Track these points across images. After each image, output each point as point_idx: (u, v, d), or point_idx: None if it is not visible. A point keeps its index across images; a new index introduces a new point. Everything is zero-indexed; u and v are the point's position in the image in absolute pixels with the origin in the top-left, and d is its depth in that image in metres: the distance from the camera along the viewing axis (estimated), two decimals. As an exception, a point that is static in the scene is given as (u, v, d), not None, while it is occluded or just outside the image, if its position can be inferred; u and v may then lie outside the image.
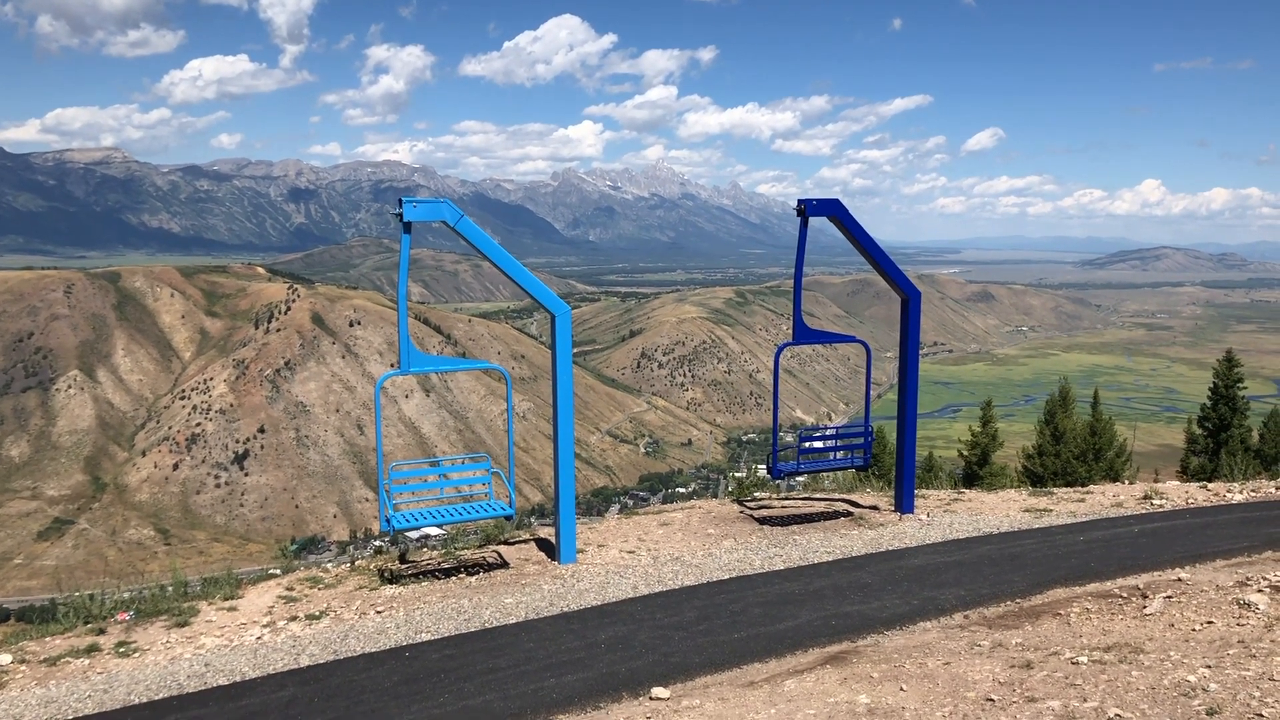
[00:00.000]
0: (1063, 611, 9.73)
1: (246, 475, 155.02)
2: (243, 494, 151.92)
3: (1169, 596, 9.34)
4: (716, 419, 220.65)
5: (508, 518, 12.09)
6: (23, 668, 9.47)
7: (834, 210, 13.34)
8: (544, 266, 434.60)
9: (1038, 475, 24.54)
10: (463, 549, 13.41)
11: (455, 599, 11.09)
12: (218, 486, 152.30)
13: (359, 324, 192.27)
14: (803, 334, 13.60)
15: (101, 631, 10.39)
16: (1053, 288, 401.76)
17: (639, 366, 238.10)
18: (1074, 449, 24.99)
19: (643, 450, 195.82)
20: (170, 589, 11.76)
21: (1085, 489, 16.71)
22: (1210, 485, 16.55)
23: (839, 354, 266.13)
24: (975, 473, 26.12)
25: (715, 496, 18.18)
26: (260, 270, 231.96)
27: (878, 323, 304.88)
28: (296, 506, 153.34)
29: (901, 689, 7.45)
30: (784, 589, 11.04)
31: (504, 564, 12.46)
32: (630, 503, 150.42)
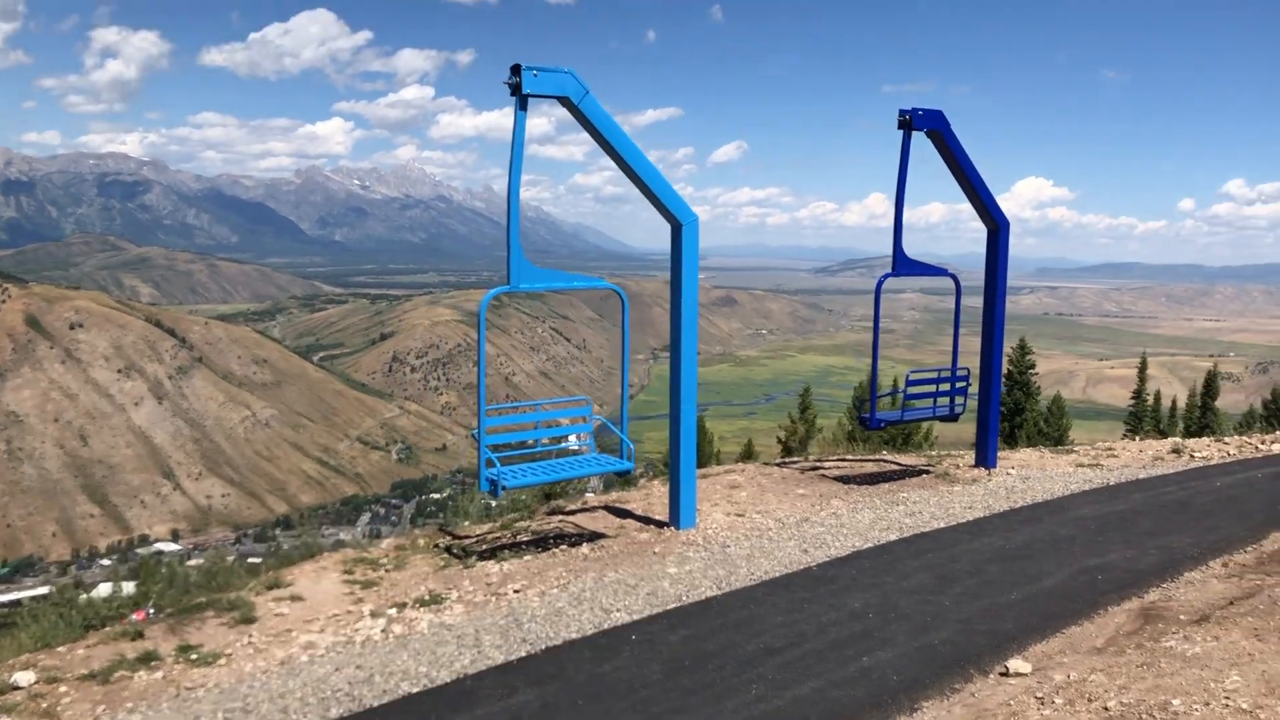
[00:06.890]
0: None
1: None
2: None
3: None
4: (472, 423, 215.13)
5: (624, 473, 9.81)
6: (63, 688, 6.41)
7: (937, 124, 11.87)
8: (287, 267, 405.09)
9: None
10: (518, 519, 10.96)
11: (593, 573, 8.69)
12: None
13: (81, 326, 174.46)
14: (903, 265, 12.03)
15: (138, 635, 7.34)
16: (789, 293, 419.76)
17: (390, 370, 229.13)
18: (883, 435, 25.24)
19: (395, 456, 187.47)
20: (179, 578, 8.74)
21: (1108, 445, 16.01)
22: (1228, 440, 16.32)
23: (593, 356, 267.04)
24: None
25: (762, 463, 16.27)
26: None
27: (630, 325, 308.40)
28: (9, 525, 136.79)
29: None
30: (988, 545, 9.34)
31: (599, 534, 10.12)
32: (383, 511, 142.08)
